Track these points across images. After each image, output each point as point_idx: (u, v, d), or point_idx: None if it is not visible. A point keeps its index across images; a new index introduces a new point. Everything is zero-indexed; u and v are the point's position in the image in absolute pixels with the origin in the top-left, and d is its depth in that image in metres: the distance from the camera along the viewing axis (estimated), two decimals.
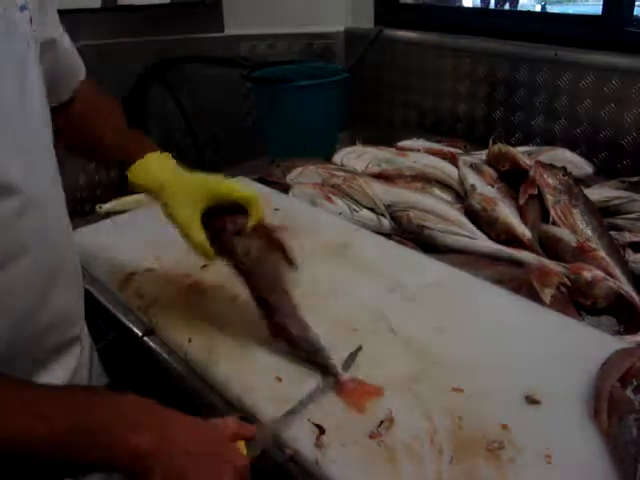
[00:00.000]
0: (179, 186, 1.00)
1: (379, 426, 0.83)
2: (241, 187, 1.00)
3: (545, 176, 1.41)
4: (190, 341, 1.03)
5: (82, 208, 2.15)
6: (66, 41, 1.01)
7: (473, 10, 2.17)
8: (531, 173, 1.43)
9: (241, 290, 1.08)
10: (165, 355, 1.06)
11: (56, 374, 0.91)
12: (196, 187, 0.99)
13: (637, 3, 1.74)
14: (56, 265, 0.86)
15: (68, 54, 1.03)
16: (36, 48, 0.83)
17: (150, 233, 1.35)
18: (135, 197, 1.57)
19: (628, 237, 1.32)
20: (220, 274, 1.19)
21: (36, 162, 0.80)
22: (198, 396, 0.98)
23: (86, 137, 1.11)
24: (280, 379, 0.94)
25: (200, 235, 0.97)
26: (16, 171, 0.74)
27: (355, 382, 0.92)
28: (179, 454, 0.71)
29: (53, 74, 0.94)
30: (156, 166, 1.04)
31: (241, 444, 0.80)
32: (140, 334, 1.11)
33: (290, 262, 1.03)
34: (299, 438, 0.83)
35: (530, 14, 2.09)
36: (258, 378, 0.94)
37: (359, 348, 0.99)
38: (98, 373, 1.08)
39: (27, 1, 0.80)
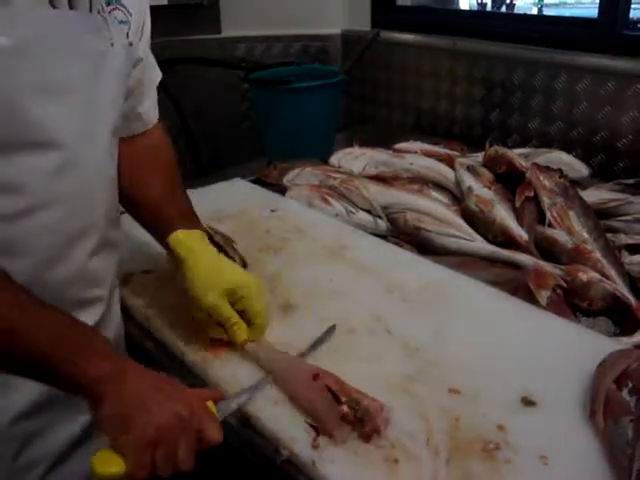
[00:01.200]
0: (202, 271, 1.01)
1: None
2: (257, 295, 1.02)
3: (541, 178, 1.41)
4: (185, 342, 1.03)
5: None
6: (151, 79, 1.13)
7: (470, 13, 2.17)
8: (527, 175, 1.43)
9: None
10: (161, 356, 1.06)
11: None
12: (218, 279, 1.00)
13: (633, 6, 1.75)
14: (88, 224, 0.91)
15: (147, 89, 1.12)
16: (125, 57, 0.93)
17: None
18: None
19: (624, 239, 1.32)
20: None
21: (88, 131, 0.87)
22: None
23: (133, 185, 1.10)
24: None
25: (235, 317, 1.00)
26: (64, 131, 0.83)
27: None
28: (136, 386, 0.77)
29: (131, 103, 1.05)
30: (189, 240, 1.05)
31: (209, 404, 0.82)
32: (137, 335, 1.11)
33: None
34: (295, 439, 0.83)
35: (526, 17, 2.10)
36: (254, 379, 0.94)
37: (332, 327, 1.03)
38: (117, 324, 1.09)
39: (129, 19, 0.93)
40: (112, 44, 0.90)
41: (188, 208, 1.13)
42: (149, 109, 1.15)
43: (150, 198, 1.10)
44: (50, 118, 0.81)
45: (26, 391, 0.89)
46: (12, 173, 0.80)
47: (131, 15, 0.95)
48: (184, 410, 0.76)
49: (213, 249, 1.07)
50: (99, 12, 0.87)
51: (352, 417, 0.84)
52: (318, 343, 1.01)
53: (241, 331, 0.99)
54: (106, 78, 0.89)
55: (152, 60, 1.13)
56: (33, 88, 0.78)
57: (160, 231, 1.09)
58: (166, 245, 1.06)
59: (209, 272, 1.01)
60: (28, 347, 0.73)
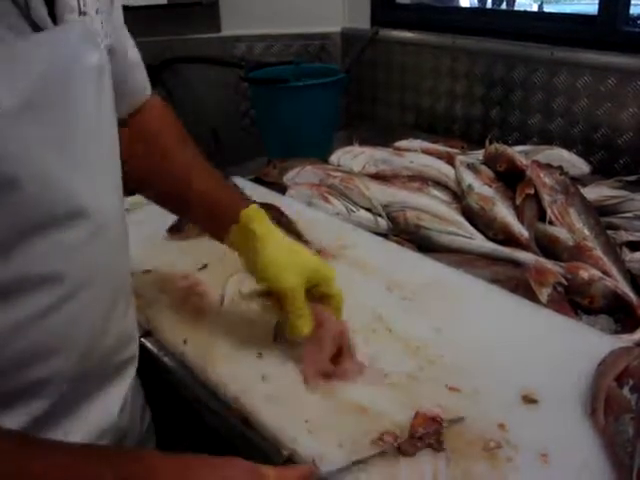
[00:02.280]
0: (281, 250, 0.95)
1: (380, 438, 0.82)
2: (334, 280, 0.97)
3: (542, 175, 1.41)
4: (185, 342, 1.03)
5: None
6: (131, 53, 0.98)
7: (470, 10, 2.17)
8: (528, 173, 1.43)
9: (237, 292, 1.09)
10: (162, 356, 1.06)
11: (115, 392, 0.87)
12: (299, 260, 0.95)
13: (632, 2, 1.74)
14: (118, 289, 0.84)
15: (130, 67, 0.98)
16: (106, 55, 0.80)
17: (148, 234, 1.36)
18: (134, 199, 1.57)
19: (625, 236, 1.32)
20: (217, 275, 1.20)
21: (105, 185, 0.77)
22: (195, 397, 0.98)
23: (159, 171, 1.03)
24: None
25: (305, 308, 0.93)
26: (89, 193, 0.72)
27: None
28: None
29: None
30: (255, 223, 0.96)
31: None
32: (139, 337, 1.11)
33: None
34: (296, 439, 0.83)
35: (526, 14, 2.09)
36: (255, 380, 0.94)
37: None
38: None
39: (100, 5, 0.78)
40: (103, 46, 0.78)
41: (225, 180, 1.06)
42: (139, 82, 1.04)
43: (178, 171, 1.02)
44: (73, 179, 0.70)
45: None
46: (45, 258, 0.69)
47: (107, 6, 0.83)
48: None
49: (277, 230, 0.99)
50: (83, 13, 0.73)
51: None
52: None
53: (307, 325, 0.92)
54: (108, 101, 0.79)
55: (129, 39, 0.98)
56: (50, 146, 0.67)
57: (206, 210, 1.00)
58: (220, 225, 0.98)
59: (289, 253, 0.94)
60: None
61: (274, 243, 0.94)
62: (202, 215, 1.03)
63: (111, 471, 0.61)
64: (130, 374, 0.92)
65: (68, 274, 0.71)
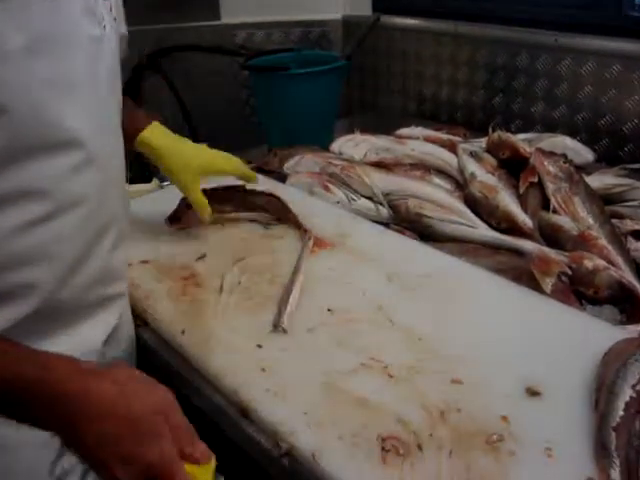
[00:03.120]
0: (177, 154, 1.25)
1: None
2: (233, 165, 1.33)
3: (545, 164, 1.39)
4: (183, 333, 1.02)
5: None
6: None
7: None
8: (531, 161, 1.41)
9: (236, 282, 1.07)
10: (159, 347, 1.05)
11: (98, 326, 0.94)
12: (192, 157, 1.26)
13: None
14: (108, 219, 0.90)
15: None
16: (114, 35, 0.90)
17: (147, 224, 1.34)
18: (130, 188, 1.55)
19: (630, 225, 1.30)
20: (216, 266, 1.19)
21: (101, 122, 0.86)
22: (193, 389, 0.96)
23: None
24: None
25: (199, 195, 1.25)
26: (83, 128, 0.81)
27: None
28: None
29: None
30: (156, 133, 1.25)
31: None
32: (135, 325, 1.10)
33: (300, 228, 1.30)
34: (295, 432, 0.81)
35: None
36: (254, 372, 0.92)
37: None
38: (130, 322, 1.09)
39: None
40: (104, 26, 0.86)
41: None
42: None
43: None
44: (68, 116, 0.79)
45: None
46: (34, 178, 0.78)
47: None
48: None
49: (172, 136, 1.28)
50: None
51: None
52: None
53: (206, 212, 1.25)
54: (106, 64, 0.87)
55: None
56: (49, 86, 0.76)
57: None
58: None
59: (182, 156, 1.24)
60: None
61: (168, 153, 1.24)
62: None
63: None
64: (114, 312, 0.97)
65: (53, 195, 0.79)
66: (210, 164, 1.29)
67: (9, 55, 0.70)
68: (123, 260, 1.00)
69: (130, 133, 1.14)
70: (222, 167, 1.32)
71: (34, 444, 0.83)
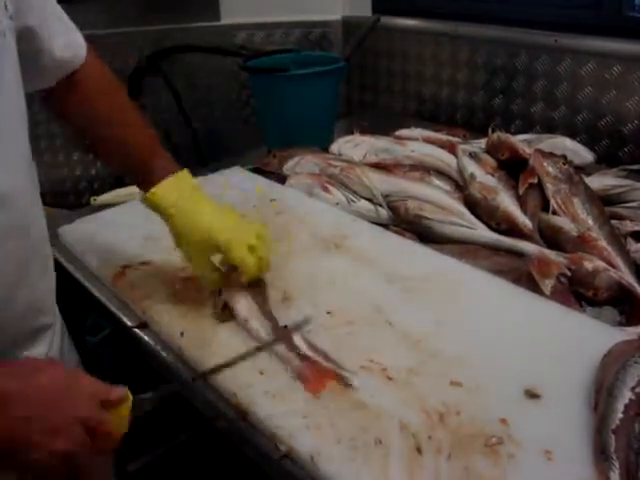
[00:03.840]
0: (186, 225, 1.03)
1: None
2: (239, 249, 1.02)
3: (545, 165, 1.39)
4: (182, 335, 1.02)
5: (79, 200, 2.15)
6: (55, 27, 0.97)
7: None
8: (531, 162, 1.41)
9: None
10: (159, 348, 1.05)
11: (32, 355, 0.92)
12: (201, 236, 1.02)
13: None
14: (27, 257, 0.87)
15: (56, 41, 0.97)
16: (12, 36, 0.82)
17: (145, 226, 1.33)
18: (130, 189, 1.56)
19: (629, 226, 1.30)
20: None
21: (8, 157, 0.81)
22: (191, 391, 0.96)
23: (93, 125, 1.07)
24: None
25: (213, 274, 1.05)
26: None
27: (310, 367, 0.92)
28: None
29: (37, 61, 0.95)
30: (173, 190, 1.04)
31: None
32: (133, 327, 1.10)
33: None
34: (294, 435, 0.81)
35: (529, 0, 2.06)
36: (253, 375, 0.92)
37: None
38: (68, 349, 1.09)
39: None
40: (4, 33, 0.79)
41: (154, 141, 1.10)
42: (65, 48, 1.00)
43: (115, 137, 1.07)
44: None
45: None
46: None
47: None
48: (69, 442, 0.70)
49: (192, 192, 1.06)
50: None
51: None
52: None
53: (212, 284, 1.05)
54: (6, 79, 0.80)
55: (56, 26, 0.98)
56: None
57: (137, 178, 1.09)
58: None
59: (191, 229, 1.02)
60: None
61: (178, 221, 1.04)
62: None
63: None
64: (45, 342, 0.96)
65: None
66: (218, 250, 1.03)
67: None
68: (48, 289, 0.98)
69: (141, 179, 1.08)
70: (227, 258, 1.04)
71: None
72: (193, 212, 1.03)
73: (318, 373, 0.91)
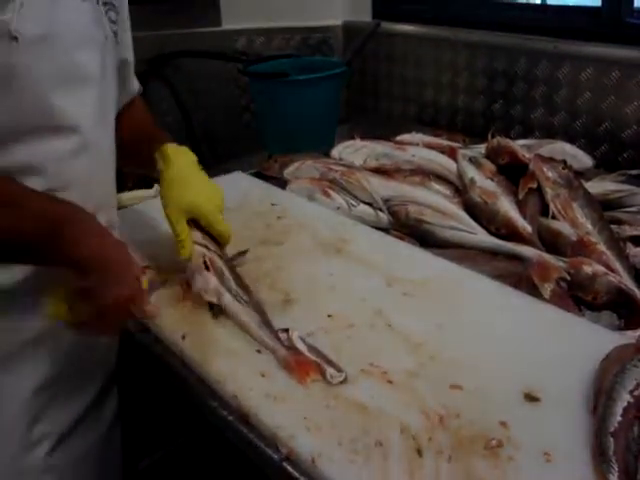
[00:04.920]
0: (173, 189, 1.14)
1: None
2: (218, 219, 1.16)
3: (544, 169, 1.40)
4: (184, 338, 1.02)
5: None
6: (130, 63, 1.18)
7: (472, 2, 2.15)
8: (530, 166, 1.42)
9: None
10: (160, 352, 1.05)
11: None
12: (182, 199, 1.13)
13: None
14: (97, 205, 0.98)
15: (127, 74, 1.19)
16: (115, 44, 1.03)
17: (146, 230, 1.35)
18: (132, 194, 1.56)
19: (629, 231, 1.31)
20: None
21: (100, 114, 0.97)
22: (193, 393, 0.97)
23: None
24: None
25: (184, 233, 1.12)
26: (83, 116, 0.92)
27: (295, 356, 0.94)
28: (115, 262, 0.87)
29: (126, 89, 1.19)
30: (175, 153, 1.18)
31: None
32: (135, 331, 1.10)
33: None
34: (294, 437, 0.82)
35: (529, 6, 2.07)
36: (254, 377, 0.93)
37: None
38: None
39: (115, 5, 1.02)
40: (106, 37, 0.99)
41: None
42: (134, 84, 1.25)
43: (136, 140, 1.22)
44: (71, 105, 0.89)
45: (40, 366, 0.97)
46: (34, 156, 0.87)
47: (118, 14, 1.04)
48: (131, 289, 0.87)
49: (194, 164, 1.20)
50: (98, 2, 0.96)
51: None
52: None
53: (184, 251, 1.10)
54: (108, 65, 1.00)
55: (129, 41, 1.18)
56: (57, 76, 0.86)
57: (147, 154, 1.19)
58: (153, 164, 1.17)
59: (178, 188, 1.13)
60: (16, 233, 0.82)
61: (170, 179, 1.14)
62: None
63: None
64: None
65: (50, 174, 0.89)
66: (194, 210, 1.14)
67: (27, 41, 0.80)
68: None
69: (148, 140, 1.22)
70: (203, 216, 1.14)
71: (16, 401, 0.95)
72: (187, 179, 1.16)
73: (302, 362, 0.93)
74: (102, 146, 0.99)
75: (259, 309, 1.05)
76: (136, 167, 1.34)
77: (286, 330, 1.00)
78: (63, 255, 0.84)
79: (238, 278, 1.11)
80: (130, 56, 1.17)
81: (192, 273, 1.10)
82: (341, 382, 0.90)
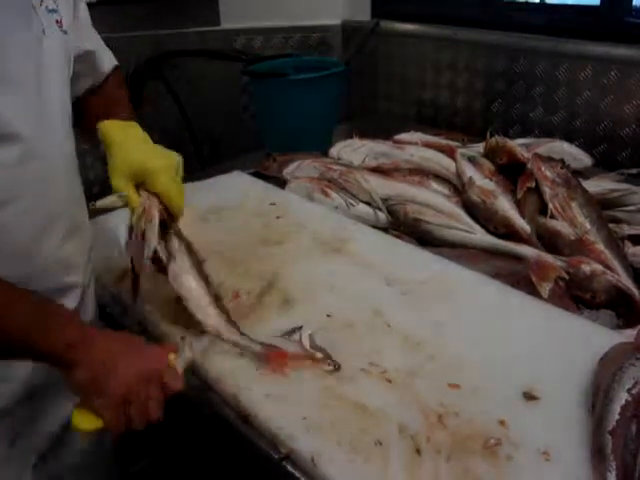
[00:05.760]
0: (119, 155, 1.06)
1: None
2: (164, 179, 1.05)
3: (543, 169, 1.40)
4: (183, 339, 1.02)
5: None
6: (102, 52, 1.15)
7: (471, 1, 2.15)
8: (529, 166, 1.42)
9: (235, 288, 1.07)
10: None
11: None
12: (127, 162, 1.05)
13: None
14: (53, 214, 0.93)
15: (94, 60, 1.13)
16: (61, 43, 0.95)
17: None
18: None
19: (627, 230, 1.31)
20: (215, 272, 1.19)
21: (45, 114, 0.89)
22: (193, 394, 0.97)
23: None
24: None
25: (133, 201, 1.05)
26: (22, 122, 0.84)
27: (270, 349, 0.96)
28: (103, 350, 0.83)
29: (92, 78, 1.14)
30: (116, 127, 1.09)
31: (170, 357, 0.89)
32: (136, 331, 1.10)
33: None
34: (294, 436, 0.82)
35: (528, 5, 2.07)
36: (253, 377, 0.93)
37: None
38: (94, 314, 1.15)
39: (58, 7, 0.95)
40: (44, 31, 0.90)
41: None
42: (103, 65, 1.17)
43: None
44: (7, 110, 0.82)
45: (22, 377, 0.94)
46: None
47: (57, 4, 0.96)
48: (148, 367, 0.84)
49: (138, 136, 1.10)
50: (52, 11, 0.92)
51: None
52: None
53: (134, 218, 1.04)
54: (47, 63, 0.91)
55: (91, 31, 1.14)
56: None
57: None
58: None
59: (122, 154, 1.05)
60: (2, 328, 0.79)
61: (114, 148, 1.06)
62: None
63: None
64: (72, 299, 1.01)
65: None
66: (143, 175, 1.06)
67: None
68: (77, 251, 1.02)
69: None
70: (154, 184, 1.06)
71: None
72: (127, 143, 1.07)
73: (277, 353, 0.94)
74: (51, 153, 0.91)
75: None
76: None
77: (300, 328, 1.02)
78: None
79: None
80: (91, 44, 1.12)
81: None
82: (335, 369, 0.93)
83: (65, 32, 0.96)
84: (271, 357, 0.94)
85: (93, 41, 1.13)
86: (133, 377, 0.82)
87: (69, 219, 0.98)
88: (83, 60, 1.09)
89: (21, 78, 0.86)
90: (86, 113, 1.12)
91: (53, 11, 0.93)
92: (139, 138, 1.09)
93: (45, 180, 0.91)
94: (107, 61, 1.19)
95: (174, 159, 1.09)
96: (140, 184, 1.05)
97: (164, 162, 1.06)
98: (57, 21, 0.94)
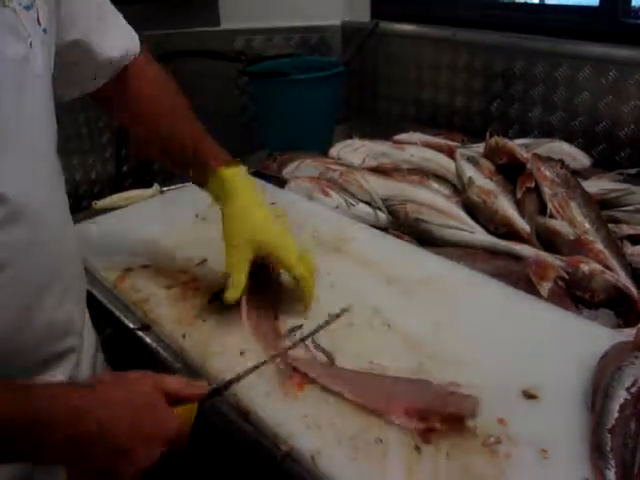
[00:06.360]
0: (235, 223, 1.03)
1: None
2: (293, 257, 1.04)
3: (542, 169, 1.40)
4: (184, 337, 1.03)
5: (79, 204, 2.15)
6: (102, 30, 0.98)
7: (470, 2, 2.15)
8: (528, 166, 1.42)
9: None
10: (161, 350, 1.05)
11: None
12: (248, 236, 1.02)
13: None
14: (45, 277, 0.82)
15: (106, 44, 0.99)
16: (43, 48, 0.79)
17: (146, 229, 1.35)
18: (131, 193, 1.57)
19: (626, 230, 1.31)
20: (215, 271, 1.19)
21: (31, 169, 0.77)
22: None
23: (147, 126, 1.13)
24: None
25: (242, 280, 1.01)
26: (3, 178, 0.71)
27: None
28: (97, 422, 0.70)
29: (91, 66, 0.99)
30: (227, 183, 1.07)
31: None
32: (135, 329, 1.10)
33: None
34: (295, 434, 0.82)
35: (527, 6, 2.07)
36: (254, 375, 0.93)
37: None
38: (101, 368, 1.06)
39: (34, 2, 0.77)
40: (31, 43, 0.75)
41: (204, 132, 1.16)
42: (115, 48, 1.02)
43: (161, 128, 1.13)
44: None
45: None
46: None
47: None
48: (150, 436, 0.75)
49: (252, 190, 1.07)
50: (4, 4, 0.71)
51: None
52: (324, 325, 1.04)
53: (232, 295, 1.00)
54: (31, 92, 0.77)
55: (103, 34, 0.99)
56: None
57: (186, 163, 1.11)
58: (201, 178, 1.09)
59: (244, 223, 1.02)
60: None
61: (235, 210, 1.03)
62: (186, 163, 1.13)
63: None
64: (69, 364, 0.91)
65: None
66: (267, 251, 1.03)
67: None
68: (73, 313, 0.92)
69: (203, 162, 1.11)
70: (278, 259, 1.04)
71: None
72: (249, 209, 1.04)
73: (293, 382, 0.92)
74: (33, 210, 0.76)
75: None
76: (159, 155, 1.19)
77: (300, 327, 1.02)
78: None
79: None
80: (79, 34, 0.93)
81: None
82: None
83: (45, 31, 0.79)
84: (286, 384, 0.92)
85: (81, 25, 0.93)
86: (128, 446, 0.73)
87: (62, 283, 0.86)
88: (75, 53, 0.94)
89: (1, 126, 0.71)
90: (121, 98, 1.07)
91: (29, 7, 0.76)
92: (258, 203, 1.07)
93: (35, 241, 0.78)
94: (122, 40, 1.05)
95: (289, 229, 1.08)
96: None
97: (289, 243, 1.05)
98: (37, 19, 0.78)
